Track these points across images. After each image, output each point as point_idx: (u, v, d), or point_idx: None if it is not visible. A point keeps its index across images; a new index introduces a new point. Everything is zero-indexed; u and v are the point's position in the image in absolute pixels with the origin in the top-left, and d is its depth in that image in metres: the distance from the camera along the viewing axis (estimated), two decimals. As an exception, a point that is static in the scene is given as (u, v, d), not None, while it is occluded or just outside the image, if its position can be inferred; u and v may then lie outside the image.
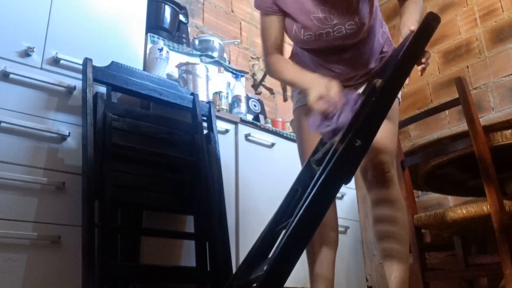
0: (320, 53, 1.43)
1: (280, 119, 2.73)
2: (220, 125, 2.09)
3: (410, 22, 1.30)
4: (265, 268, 0.92)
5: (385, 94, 1.08)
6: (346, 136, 1.02)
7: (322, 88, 1.19)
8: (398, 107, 1.52)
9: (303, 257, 1.39)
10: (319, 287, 1.33)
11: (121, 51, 1.96)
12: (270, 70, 1.45)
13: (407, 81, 1.22)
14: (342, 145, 1.00)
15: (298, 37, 1.39)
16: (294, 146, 1.57)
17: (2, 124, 1.53)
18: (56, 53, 1.73)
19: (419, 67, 1.23)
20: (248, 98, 2.63)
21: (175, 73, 2.35)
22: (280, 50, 1.42)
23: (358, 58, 1.42)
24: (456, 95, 1.83)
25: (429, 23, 1.17)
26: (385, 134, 1.36)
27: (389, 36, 1.51)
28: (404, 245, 1.35)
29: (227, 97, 2.38)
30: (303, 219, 0.92)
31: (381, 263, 1.40)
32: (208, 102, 2.06)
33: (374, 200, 1.40)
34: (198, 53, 2.60)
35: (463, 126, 2.56)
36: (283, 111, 3.21)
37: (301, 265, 1.36)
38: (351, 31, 1.33)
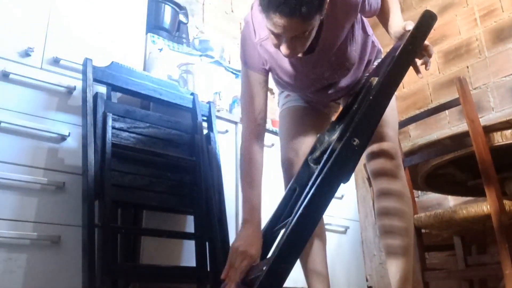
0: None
1: (280, 119, 2.72)
2: (220, 125, 2.08)
3: (398, 21, 1.29)
4: (264, 267, 0.91)
5: (382, 92, 1.08)
6: (344, 135, 1.01)
7: (236, 256, 1.11)
8: (395, 99, 1.50)
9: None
10: (316, 284, 1.32)
11: (121, 51, 1.96)
12: (240, 156, 1.31)
13: (420, 75, 1.24)
14: (340, 144, 1.00)
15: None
16: (294, 146, 1.56)
17: (2, 124, 1.54)
18: (56, 53, 1.73)
19: (420, 61, 1.23)
20: (248, 98, 2.63)
21: (175, 73, 2.35)
22: (261, 128, 1.31)
23: (345, 81, 1.41)
24: (456, 95, 1.83)
25: (426, 21, 1.17)
26: (384, 123, 1.34)
27: (371, 37, 1.42)
28: (408, 240, 1.30)
29: (227, 97, 2.39)
30: (302, 218, 0.92)
31: (381, 263, 1.39)
32: (208, 102, 2.07)
33: (378, 191, 1.34)
34: (198, 53, 2.60)
35: (463, 126, 2.56)
36: (283, 111, 3.20)
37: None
38: (344, 73, 1.35)
